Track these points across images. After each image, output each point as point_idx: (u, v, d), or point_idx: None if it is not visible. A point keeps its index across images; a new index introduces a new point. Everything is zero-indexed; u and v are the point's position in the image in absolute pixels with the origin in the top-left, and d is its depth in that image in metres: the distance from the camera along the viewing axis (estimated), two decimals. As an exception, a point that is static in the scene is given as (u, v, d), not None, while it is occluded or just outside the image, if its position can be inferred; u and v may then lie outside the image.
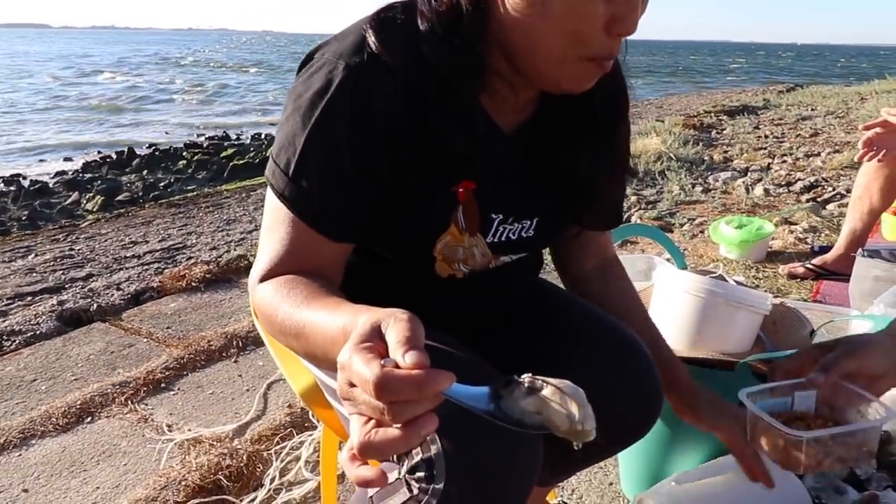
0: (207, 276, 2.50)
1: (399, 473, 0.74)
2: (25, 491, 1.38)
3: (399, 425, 0.46)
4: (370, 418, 0.48)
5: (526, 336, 0.94)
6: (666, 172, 4.22)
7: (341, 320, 0.59)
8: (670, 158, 4.51)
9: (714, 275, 1.45)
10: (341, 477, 1.38)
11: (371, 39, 0.70)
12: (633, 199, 3.79)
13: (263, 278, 0.73)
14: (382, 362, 0.46)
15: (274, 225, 0.74)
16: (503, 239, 0.85)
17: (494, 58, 0.73)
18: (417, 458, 0.71)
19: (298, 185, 0.71)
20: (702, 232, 3.10)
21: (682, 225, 3.28)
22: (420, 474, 0.71)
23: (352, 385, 0.48)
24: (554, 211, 0.88)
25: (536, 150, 0.82)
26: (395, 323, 0.49)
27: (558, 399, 0.48)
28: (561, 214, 0.90)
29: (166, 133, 11.99)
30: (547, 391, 0.48)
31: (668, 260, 1.71)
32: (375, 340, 0.49)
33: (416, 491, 0.72)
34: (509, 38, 0.70)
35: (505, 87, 0.75)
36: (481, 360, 0.80)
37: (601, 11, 0.65)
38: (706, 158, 4.72)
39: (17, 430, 1.57)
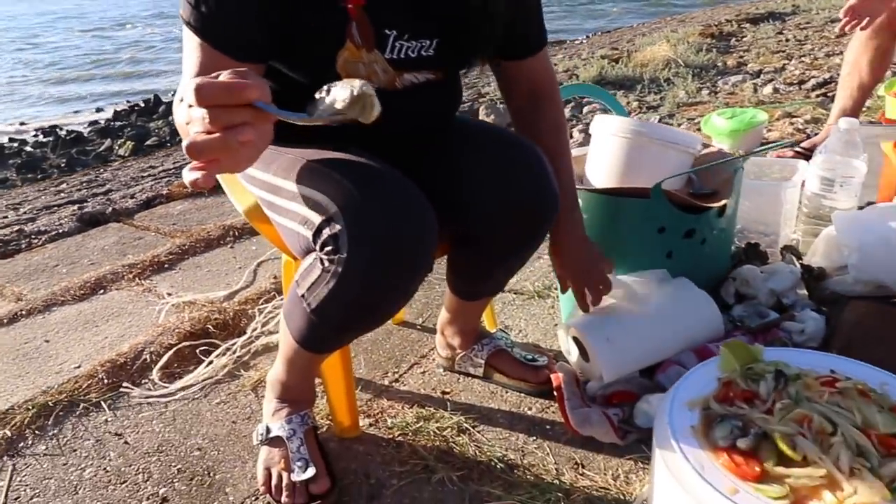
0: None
1: (315, 255, 0.88)
2: (47, 341, 1.60)
3: (219, 131, 0.53)
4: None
5: (440, 155, 1.03)
6: (672, 79, 4.16)
7: None
8: (679, 65, 4.43)
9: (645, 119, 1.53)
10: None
11: None
12: (635, 104, 3.77)
13: (182, 100, 0.86)
14: (204, 78, 0.54)
15: (188, 53, 0.84)
16: (402, 56, 0.92)
17: None
18: (326, 236, 0.84)
19: (199, 11, 0.81)
20: (698, 129, 3.10)
21: (679, 125, 3.27)
22: (328, 249, 0.84)
23: (186, 101, 0.56)
24: (453, 34, 0.94)
25: None
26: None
27: (343, 84, 0.59)
28: (461, 39, 0.96)
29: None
30: (337, 83, 0.60)
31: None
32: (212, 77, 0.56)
33: (326, 264, 0.85)
34: None
35: None
36: (395, 169, 0.89)
37: None
38: (718, 64, 4.61)
39: (41, 300, 1.79)
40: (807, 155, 2.43)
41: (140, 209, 2.50)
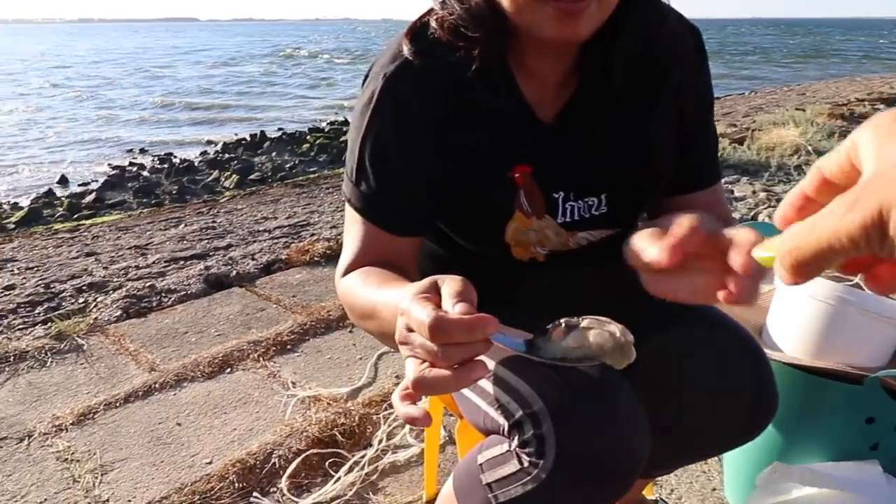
0: (328, 251, 2.72)
1: (510, 446, 0.80)
2: (179, 425, 1.62)
3: (449, 367, 0.51)
4: (424, 361, 0.53)
5: (632, 320, 0.95)
6: (803, 167, 3.93)
7: (406, 292, 0.68)
8: (809, 152, 4.17)
9: (850, 283, 1.37)
10: (443, 446, 1.48)
11: (405, 49, 0.78)
12: (762, 195, 3.57)
13: (345, 273, 0.82)
14: (431, 306, 0.51)
15: (350, 226, 0.83)
16: (575, 217, 0.86)
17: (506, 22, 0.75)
18: (528, 434, 0.76)
19: (359, 189, 0.80)
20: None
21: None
22: (530, 449, 0.76)
23: (409, 330, 0.54)
24: (622, 186, 0.87)
25: (577, 130, 0.83)
26: (449, 281, 0.55)
27: (596, 325, 0.54)
28: (632, 189, 0.89)
29: (291, 119, 12.74)
30: (585, 322, 0.55)
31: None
32: (433, 293, 0.55)
33: (526, 464, 0.77)
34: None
35: (530, 56, 0.78)
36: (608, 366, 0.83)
37: None
38: (851, 153, 4.33)
39: (173, 373, 1.83)
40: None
41: (261, 274, 2.55)
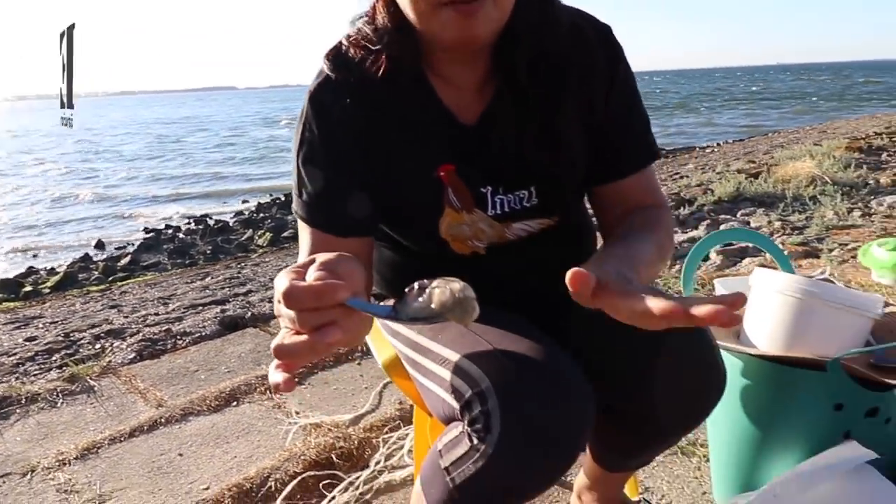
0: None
1: (462, 427, 0.83)
2: (180, 455, 1.65)
3: (309, 332, 0.53)
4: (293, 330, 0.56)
5: (588, 313, 0.96)
6: (819, 197, 3.88)
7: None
8: (825, 183, 4.14)
9: (819, 277, 1.37)
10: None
11: (325, 66, 0.86)
12: (777, 224, 3.53)
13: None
14: (293, 278, 0.55)
15: (300, 236, 0.90)
16: (506, 210, 0.90)
17: (417, 35, 0.81)
18: (476, 412, 0.79)
19: (301, 199, 0.88)
20: (853, 257, 2.82)
21: (830, 250, 3.00)
22: (478, 426, 0.79)
23: (280, 302, 0.56)
24: (546, 179, 0.90)
25: (495, 129, 0.88)
26: (322, 255, 0.59)
27: (442, 285, 0.57)
28: (556, 181, 0.91)
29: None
30: (434, 283, 0.58)
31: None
32: (307, 268, 0.58)
33: (475, 441, 0.80)
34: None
35: (445, 65, 0.85)
36: (551, 341, 0.83)
37: None
38: (870, 182, 4.27)
39: (179, 408, 1.87)
40: None
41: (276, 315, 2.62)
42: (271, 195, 10.87)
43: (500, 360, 0.80)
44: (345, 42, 0.88)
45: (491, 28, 0.78)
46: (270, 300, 2.87)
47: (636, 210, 0.92)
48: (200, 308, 2.85)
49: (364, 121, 0.86)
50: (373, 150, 0.87)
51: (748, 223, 3.75)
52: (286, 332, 0.57)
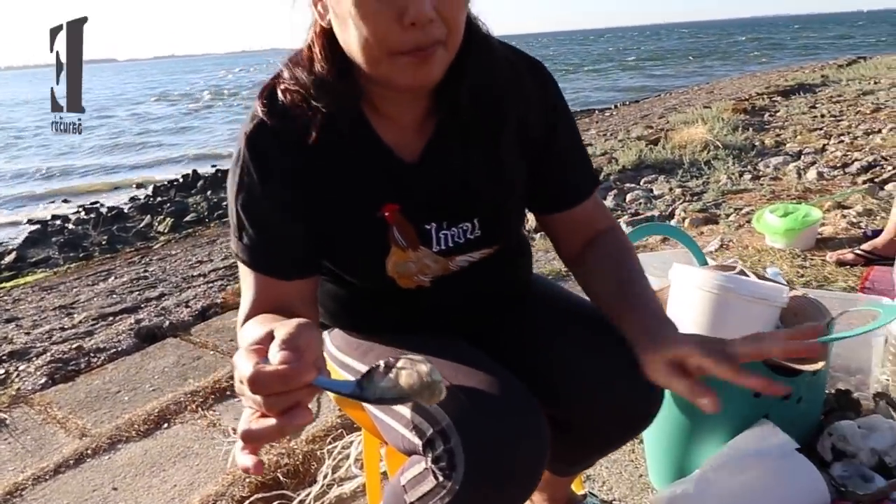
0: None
1: (426, 463, 0.85)
2: (115, 489, 1.57)
3: (276, 415, 0.53)
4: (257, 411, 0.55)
5: (522, 333, 0.99)
6: (713, 162, 4.16)
7: (242, 345, 0.67)
8: (717, 147, 4.44)
9: (734, 270, 1.49)
10: (385, 474, 1.50)
11: (259, 110, 0.83)
12: (678, 191, 3.76)
13: (242, 322, 0.86)
14: (258, 361, 0.54)
15: (243, 279, 0.88)
16: (450, 245, 0.92)
17: (358, 75, 0.80)
18: (440, 450, 0.81)
19: (242, 242, 0.86)
20: (748, 222, 3.05)
21: (727, 216, 3.24)
22: (443, 464, 0.81)
23: (241, 382, 0.55)
24: (489, 210, 0.92)
25: (437, 165, 0.89)
26: (281, 328, 0.57)
27: (409, 366, 0.58)
28: (498, 211, 0.94)
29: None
30: (400, 363, 0.59)
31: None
32: (266, 344, 0.57)
33: (441, 479, 0.82)
34: (347, 56, 0.79)
35: (385, 104, 0.84)
36: (480, 352, 0.88)
37: (384, 9, 0.70)
38: (756, 144, 4.61)
39: (106, 436, 1.77)
40: (868, 258, 2.36)
41: (196, 321, 2.51)
42: (171, 179, 10.21)
43: (458, 397, 0.82)
44: (280, 87, 0.84)
45: (442, 69, 0.78)
46: (187, 305, 2.75)
47: (597, 237, 0.98)
48: (111, 318, 2.68)
49: (303, 164, 0.84)
50: (314, 192, 0.86)
51: (651, 190, 3.96)
52: (251, 413, 0.56)
